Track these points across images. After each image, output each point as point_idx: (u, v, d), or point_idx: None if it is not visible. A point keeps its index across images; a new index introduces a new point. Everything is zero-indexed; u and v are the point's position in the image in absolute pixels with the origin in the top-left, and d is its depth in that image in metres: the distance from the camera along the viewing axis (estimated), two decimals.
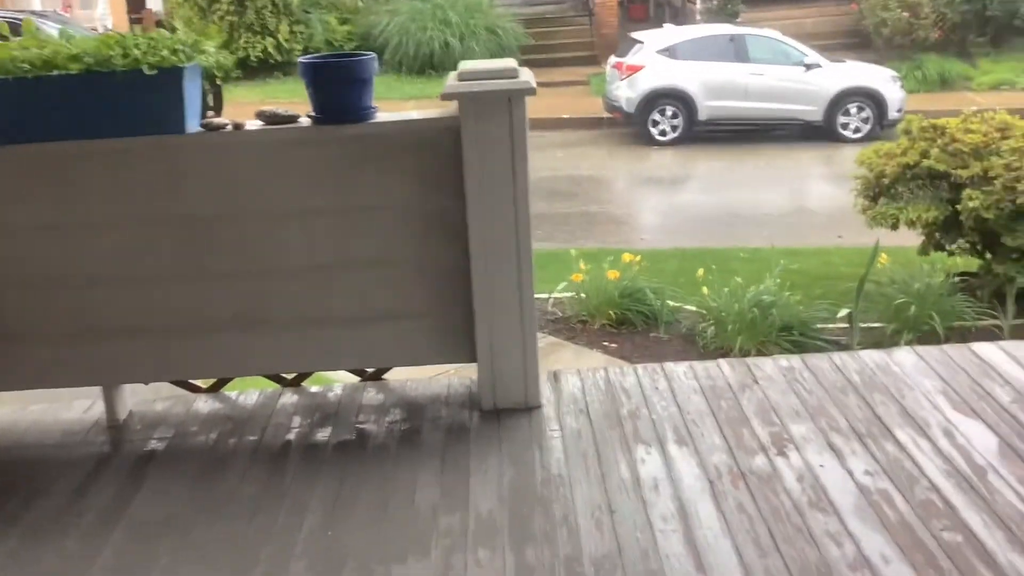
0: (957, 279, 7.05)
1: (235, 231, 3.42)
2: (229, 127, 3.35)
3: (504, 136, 3.28)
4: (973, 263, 7.35)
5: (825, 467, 3.08)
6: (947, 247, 7.24)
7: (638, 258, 7.39)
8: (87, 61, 3.13)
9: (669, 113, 15.11)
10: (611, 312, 6.96)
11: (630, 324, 6.95)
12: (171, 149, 3.31)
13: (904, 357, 3.83)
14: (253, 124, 3.38)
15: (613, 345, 6.74)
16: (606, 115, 16.18)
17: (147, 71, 3.11)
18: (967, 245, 7.19)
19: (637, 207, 12.78)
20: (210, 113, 3.46)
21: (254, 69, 19.22)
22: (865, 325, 6.62)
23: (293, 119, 3.37)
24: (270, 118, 3.37)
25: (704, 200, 12.65)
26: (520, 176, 3.32)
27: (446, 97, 3.26)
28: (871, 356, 3.86)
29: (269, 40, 19.45)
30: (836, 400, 3.49)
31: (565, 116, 16.41)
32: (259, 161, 3.38)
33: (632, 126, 15.51)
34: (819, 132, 15.09)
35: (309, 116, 3.36)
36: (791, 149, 14.79)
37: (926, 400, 3.46)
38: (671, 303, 7.08)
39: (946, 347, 3.96)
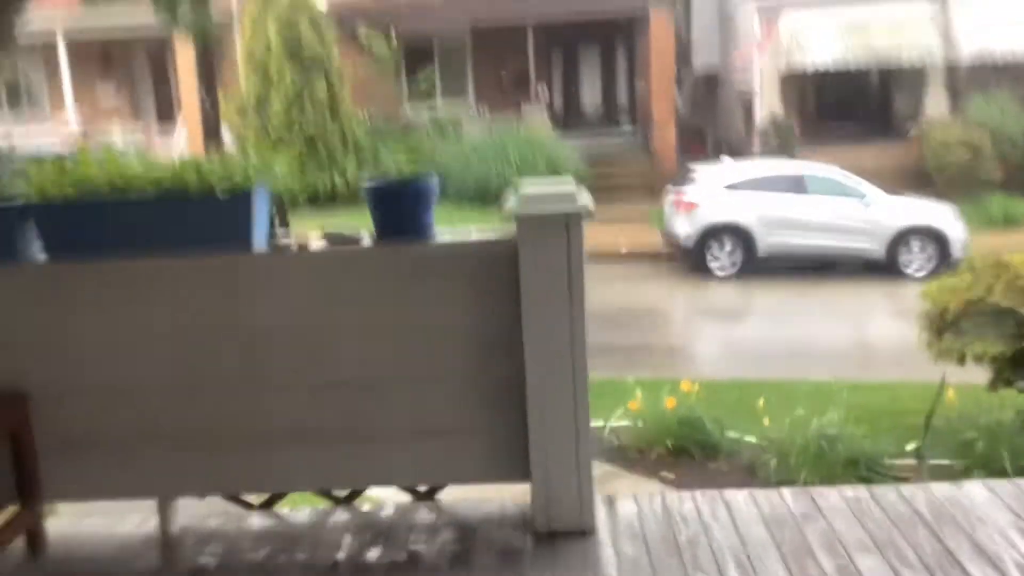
0: None
1: (293, 345, 3.47)
2: (294, 247, 3.44)
3: (561, 258, 3.32)
4: None
5: None
6: (1016, 384, 7.04)
7: (696, 387, 7.30)
8: (164, 185, 3.28)
9: (728, 247, 15.16)
10: (668, 442, 6.84)
11: (688, 454, 6.82)
12: (237, 267, 3.42)
13: (975, 490, 3.69)
14: (317, 242, 3.47)
15: (671, 475, 6.60)
16: (665, 249, 16.29)
17: (220, 196, 3.26)
18: None
19: (694, 339, 12.71)
20: (279, 231, 3.57)
21: (322, 203, 19.83)
22: (934, 462, 6.41)
23: (356, 240, 3.46)
24: (334, 239, 3.46)
25: (763, 334, 12.55)
26: (576, 297, 3.34)
27: (506, 218, 3.32)
28: (940, 489, 3.72)
29: (337, 176, 20.08)
30: (905, 533, 3.36)
31: (624, 250, 16.56)
32: (321, 279, 3.45)
33: (692, 260, 15.57)
34: (881, 268, 14.99)
35: (371, 235, 3.44)
36: (853, 285, 14.69)
37: (998, 535, 3.32)
38: (731, 434, 6.94)
39: (1019, 480, 3.81)
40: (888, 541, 3.31)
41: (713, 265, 15.19)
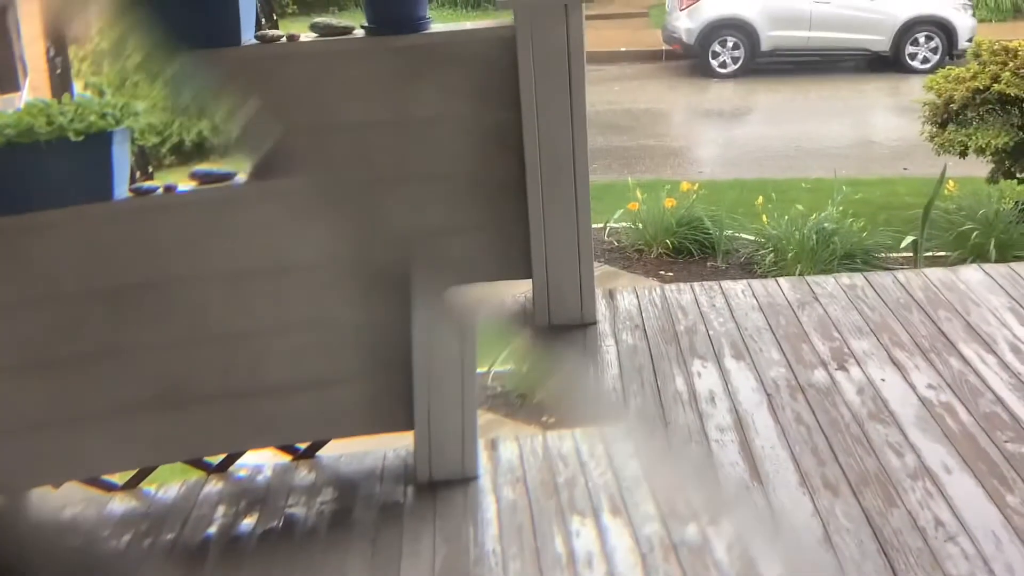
0: None
1: (163, 300, 3.14)
2: (160, 190, 3.15)
3: (561, 45, 3.19)
4: None
5: (887, 381, 3.03)
6: (1017, 174, 7.02)
7: (696, 186, 7.28)
8: (7, 133, 2.91)
9: (730, 44, 14.77)
10: (668, 241, 6.89)
11: (687, 253, 6.88)
12: (96, 217, 3.05)
13: (970, 275, 3.74)
14: (186, 187, 3.19)
15: (669, 274, 6.68)
16: (665, 47, 15.87)
17: (73, 138, 2.91)
18: None
19: (696, 140, 12.58)
20: (139, 176, 3.27)
21: (188, 154, 18.80)
22: (930, 254, 6.48)
23: (229, 176, 3.16)
24: (204, 177, 3.13)
25: (765, 132, 12.40)
26: (576, 86, 3.22)
27: (502, 5, 3.20)
28: (936, 274, 3.78)
29: (205, 122, 19.03)
30: (900, 316, 3.42)
31: (623, 49, 16.14)
32: (192, 223, 3.13)
33: (692, 58, 15.20)
34: (886, 63, 14.67)
35: (363, 27, 3.28)
36: (857, 80, 14.40)
37: (993, 316, 3.38)
38: (730, 232, 6.98)
39: (1014, 264, 3.86)
40: (883, 324, 3.38)
41: (714, 63, 14.85)
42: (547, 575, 2.82)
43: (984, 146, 6.77)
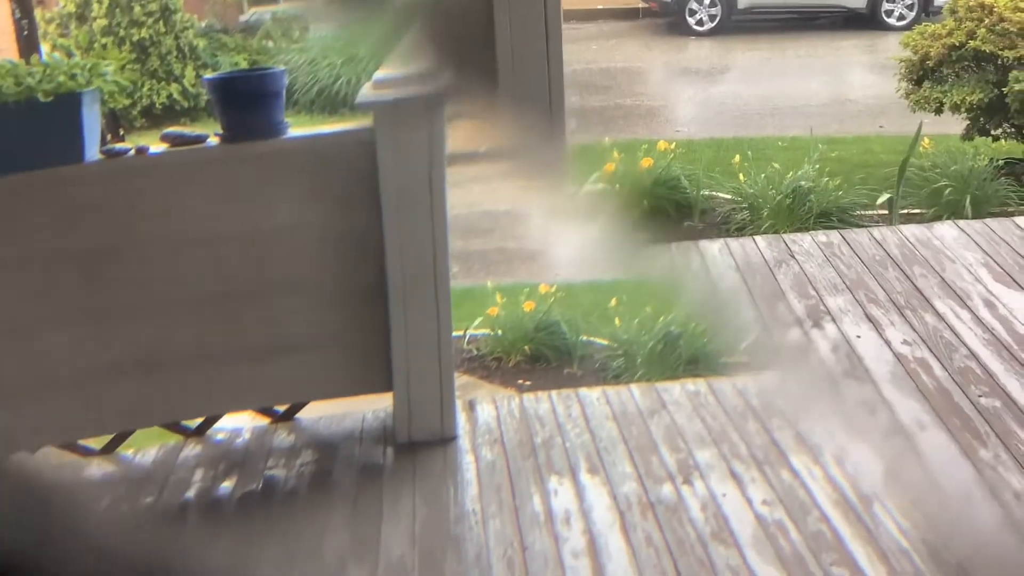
0: (1001, 163, 6.87)
1: (137, 264, 3.14)
2: (132, 152, 3.10)
3: (423, 146, 3.05)
4: (1018, 148, 7.16)
5: (862, 337, 3.04)
6: (992, 131, 7.04)
7: (673, 146, 7.26)
8: None
9: (707, 2, 14.70)
10: (526, 348, 6.71)
11: (544, 360, 6.65)
12: (67, 180, 3.04)
13: (945, 231, 3.76)
14: (159, 148, 3.17)
15: (528, 382, 6.57)
16: (643, 5, 15.77)
17: (42, 99, 2.86)
18: (1012, 129, 6.99)
19: (673, 99, 12.54)
20: (110, 139, 3.27)
21: (159, 117, 18.55)
22: (906, 211, 6.50)
23: (201, 139, 3.15)
24: (175, 140, 3.14)
25: (742, 91, 12.37)
26: (437, 189, 3.09)
27: (361, 107, 3.08)
28: (911, 230, 3.79)
29: (175, 86, 18.83)
30: (875, 273, 3.44)
31: (599, 7, 16.02)
32: (164, 186, 3.13)
33: (669, 16, 15.12)
34: (863, 20, 14.65)
35: (218, 135, 3.14)
36: (833, 38, 14.38)
37: (967, 272, 3.40)
38: (705, 193, 6.97)
39: (988, 220, 3.88)
40: (858, 281, 3.39)
41: (691, 21, 14.77)
42: (526, 533, 2.83)
43: (959, 103, 6.78)
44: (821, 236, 3.77)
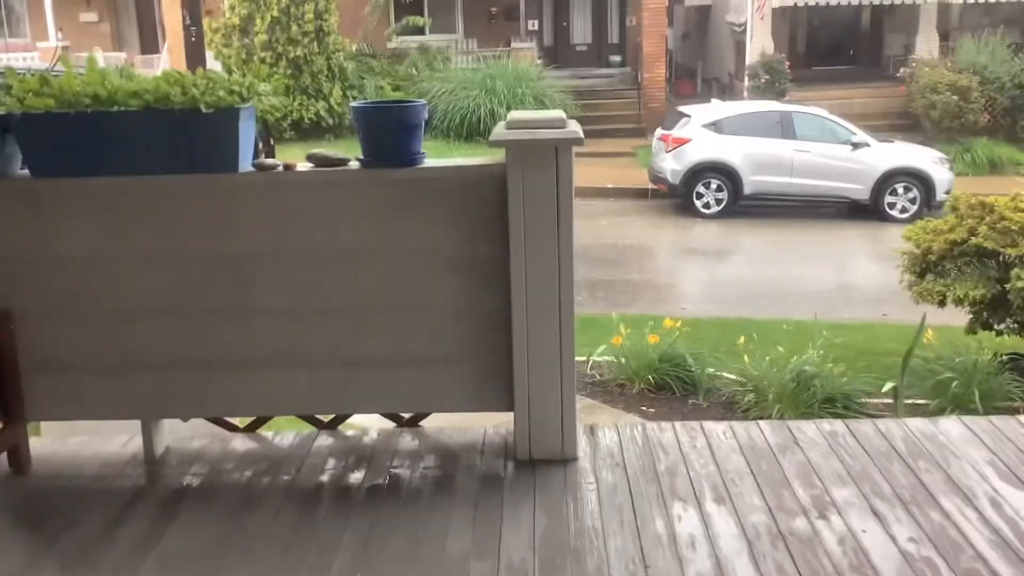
0: (1005, 358, 6.92)
1: (280, 270, 3.46)
2: (280, 168, 3.41)
3: (550, 185, 3.30)
4: (1022, 344, 7.21)
5: (868, 532, 3.00)
6: (995, 326, 7.11)
7: (679, 323, 7.34)
8: (146, 98, 3.20)
9: (714, 186, 15.16)
10: (650, 376, 6.91)
11: (669, 390, 6.89)
12: (223, 187, 3.38)
13: (950, 426, 3.74)
14: (304, 166, 3.45)
15: (651, 410, 6.68)
16: (651, 186, 16.26)
17: (204, 109, 3.18)
18: (1015, 325, 7.06)
19: (679, 277, 12.76)
20: (263, 154, 3.53)
21: (306, 131, 19.65)
22: (910, 401, 6.50)
23: (343, 162, 3.43)
24: (320, 160, 3.43)
25: (747, 273, 12.60)
26: (564, 224, 3.33)
27: (494, 144, 3.30)
28: (916, 424, 3.78)
29: (322, 103, 19.90)
30: (880, 466, 3.41)
31: (610, 186, 16.53)
32: (308, 202, 3.42)
33: (677, 198, 15.57)
34: (866, 211, 15.05)
35: (358, 160, 3.41)
36: (837, 227, 14.74)
37: (973, 470, 3.38)
38: (711, 370, 7.01)
39: (993, 418, 3.87)
40: (863, 474, 3.36)
41: (699, 204, 15.20)
42: (648, 552, 2.93)
43: (962, 297, 6.89)
44: (826, 425, 3.77)
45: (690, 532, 3.03)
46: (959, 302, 6.96)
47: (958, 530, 2.99)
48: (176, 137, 3.26)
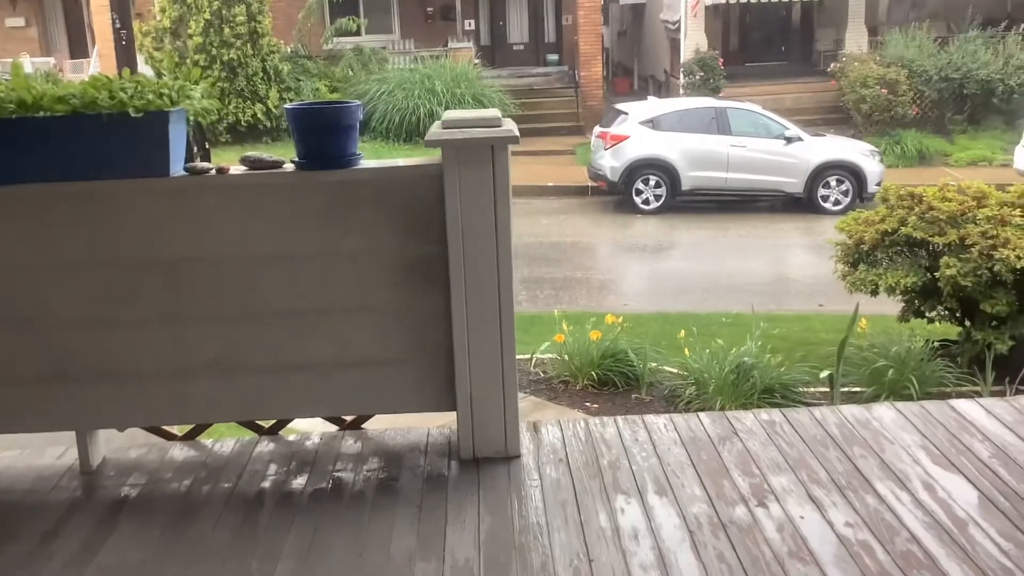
0: (936, 345, 7.09)
1: (216, 275, 3.41)
2: (213, 171, 3.37)
3: (487, 183, 3.30)
4: (952, 330, 7.40)
5: (805, 518, 3.05)
6: (926, 314, 7.29)
7: (620, 319, 7.40)
8: (73, 103, 3.14)
9: (652, 183, 15.31)
10: (593, 373, 6.95)
11: (612, 385, 6.94)
12: (153, 192, 3.32)
13: (883, 412, 3.83)
14: (237, 169, 3.41)
15: (595, 405, 6.72)
16: (591, 184, 16.36)
17: (133, 113, 3.13)
18: (946, 312, 7.25)
19: (620, 273, 12.85)
20: (198, 157, 3.48)
21: (243, 134, 19.44)
22: (846, 389, 6.63)
23: (278, 164, 3.40)
24: (254, 163, 3.39)
25: (686, 267, 12.75)
26: (502, 223, 3.34)
27: (430, 144, 3.29)
28: (851, 411, 3.86)
29: (259, 106, 19.69)
30: (817, 453, 3.48)
31: (550, 184, 16.60)
32: (242, 205, 3.38)
33: (616, 195, 15.69)
34: (800, 204, 15.32)
35: (293, 162, 3.38)
36: (772, 220, 14.97)
37: (906, 454, 3.46)
38: (653, 364, 7.08)
39: (925, 403, 3.97)
40: (800, 461, 3.43)
41: (637, 200, 15.33)
42: (592, 546, 2.96)
43: (894, 285, 7.05)
44: (763, 414, 3.83)
45: (633, 525, 3.07)
46: (891, 291, 7.12)
47: (893, 513, 3.06)
48: (104, 142, 3.20)
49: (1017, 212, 6.73)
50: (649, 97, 19.03)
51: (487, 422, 3.52)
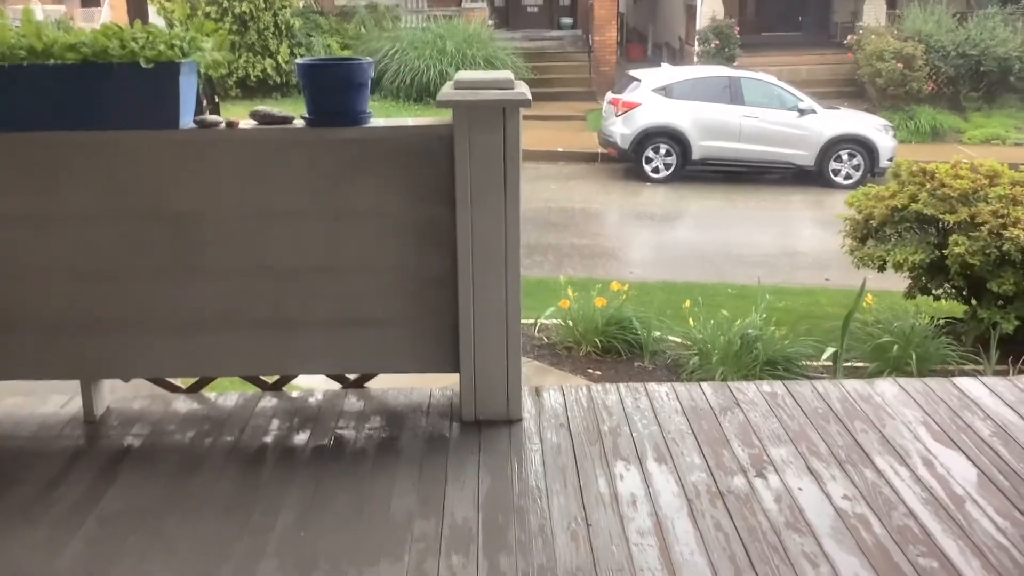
0: (942, 322, 7.08)
1: (223, 230, 3.41)
2: (223, 125, 3.35)
3: (497, 146, 3.29)
4: (958, 308, 7.39)
5: (803, 490, 3.07)
6: (933, 291, 7.27)
7: (626, 287, 7.40)
8: (84, 51, 3.13)
9: (663, 151, 15.23)
10: (597, 340, 6.96)
11: (615, 353, 6.95)
12: (162, 144, 3.31)
13: (886, 388, 3.83)
14: (247, 124, 3.39)
15: (597, 372, 6.73)
16: (601, 150, 16.28)
17: (143, 64, 3.11)
18: (953, 290, 7.23)
19: (627, 241, 12.83)
20: (207, 110, 3.46)
21: (252, 89, 19.35)
22: (849, 364, 6.63)
23: (287, 120, 3.38)
24: (264, 118, 3.37)
25: (694, 237, 12.72)
26: (511, 186, 3.33)
27: (441, 104, 3.27)
28: (853, 385, 3.86)
29: (269, 61, 19.59)
30: (817, 426, 3.49)
31: (560, 149, 16.52)
32: (251, 160, 3.37)
33: (626, 162, 15.62)
34: (811, 177, 15.24)
35: (303, 118, 3.36)
36: (782, 192, 14.90)
37: (907, 430, 3.46)
38: (657, 333, 7.08)
39: (927, 379, 3.97)
40: (801, 434, 3.43)
41: (647, 168, 15.26)
42: (591, 511, 2.99)
43: (902, 262, 7.02)
44: (765, 386, 3.83)
45: (631, 491, 3.08)
46: (899, 267, 7.10)
47: (891, 488, 3.07)
48: (114, 92, 3.18)
49: None
50: (663, 64, 18.86)
51: (490, 385, 3.53)
